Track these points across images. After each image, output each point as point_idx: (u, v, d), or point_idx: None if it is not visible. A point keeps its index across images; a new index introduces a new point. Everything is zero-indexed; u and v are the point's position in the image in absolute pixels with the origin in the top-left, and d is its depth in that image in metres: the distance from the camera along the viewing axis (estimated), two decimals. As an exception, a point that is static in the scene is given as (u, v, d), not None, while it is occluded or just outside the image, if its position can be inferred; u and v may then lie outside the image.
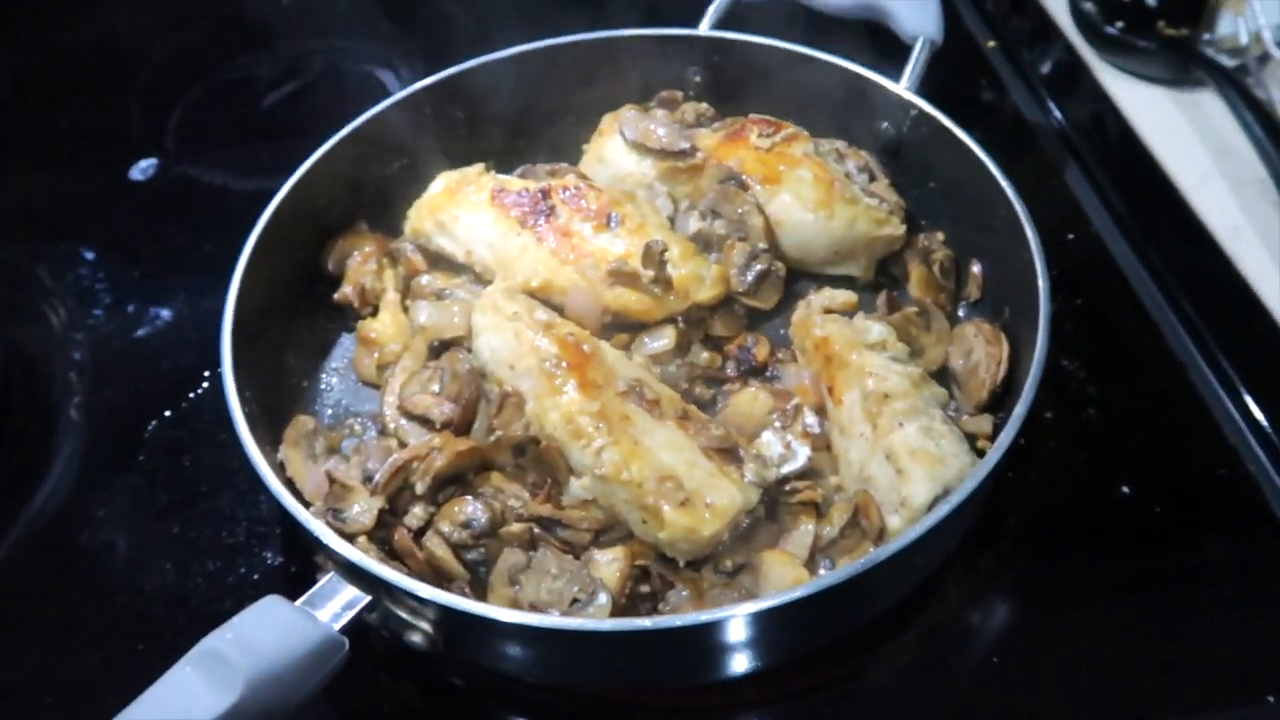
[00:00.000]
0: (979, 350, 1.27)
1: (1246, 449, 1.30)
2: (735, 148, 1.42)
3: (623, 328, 1.32)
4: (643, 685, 1.18)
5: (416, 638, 1.01)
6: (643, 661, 1.08)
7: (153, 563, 1.27)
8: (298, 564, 1.25)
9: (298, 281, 1.41)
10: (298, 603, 0.97)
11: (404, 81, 1.82)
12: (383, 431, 1.27)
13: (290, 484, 1.20)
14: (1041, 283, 1.19)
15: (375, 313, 1.41)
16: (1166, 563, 1.24)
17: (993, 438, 1.17)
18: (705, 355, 1.33)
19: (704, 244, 1.38)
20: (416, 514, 1.14)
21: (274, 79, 1.94)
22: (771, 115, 1.47)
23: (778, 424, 1.23)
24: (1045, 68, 1.85)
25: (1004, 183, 1.29)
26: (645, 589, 1.11)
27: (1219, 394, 1.35)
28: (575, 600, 1.05)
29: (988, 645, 1.18)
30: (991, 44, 1.91)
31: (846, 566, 0.98)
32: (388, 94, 1.49)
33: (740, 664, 1.10)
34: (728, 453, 1.15)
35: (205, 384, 1.44)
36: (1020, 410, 1.07)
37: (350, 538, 1.08)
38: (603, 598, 1.05)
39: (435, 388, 1.25)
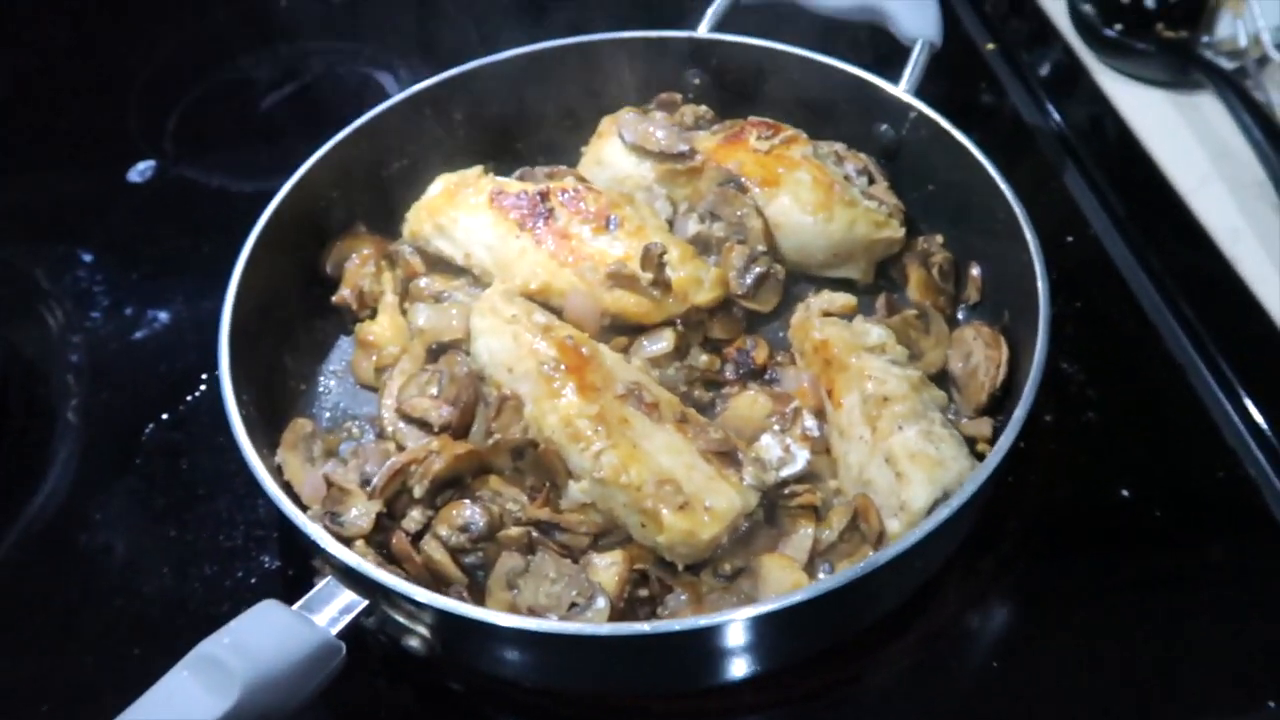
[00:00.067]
0: (978, 353, 1.27)
1: (1246, 451, 1.30)
2: (734, 150, 1.42)
3: (621, 330, 1.32)
4: (641, 690, 1.17)
5: (414, 642, 1.01)
6: (641, 666, 1.08)
7: (150, 566, 1.27)
8: (295, 568, 1.25)
9: (296, 284, 1.41)
10: (295, 607, 0.96)
11: (403, 83, 1.82)
12: (381, 434, 1.27)
13: (288, 487, 1.20)
14: (1041, 285, 1.19)
15: (373, 315, 1.40)
16: (1166, 566, 1.24)
17: (992, 441, 1.17)
18: (704, 358, 1.33)
19: (703, 246, 1.38)
20: (414, 517, 1.13)
21: (273, 81, 1.94)
22: (770, 118, 1.47)
23: (777, 427, 1.23)
24: (1044, 70, 1.85)
25: (1003, 185, 1.29)
26: (644, 593, 1.11)
27: (1218, 396, 1.35)
28: (573, 604, 1.05)
29: (987, 649, 1.18)
30: (990, 46, 1.91)
31: (846, 570, 0.97)
32: (387, 96, 1.48)
33: (739, 668, 1.09)
34: (727, 456, 1.15)
35: (203, 386, 1.44)
36: (1020, 413, 1.07)
37: (348, 541, 1.07)
38: (601, 602, 1.05)
39: (433, 391, 1.25)
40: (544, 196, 1.36)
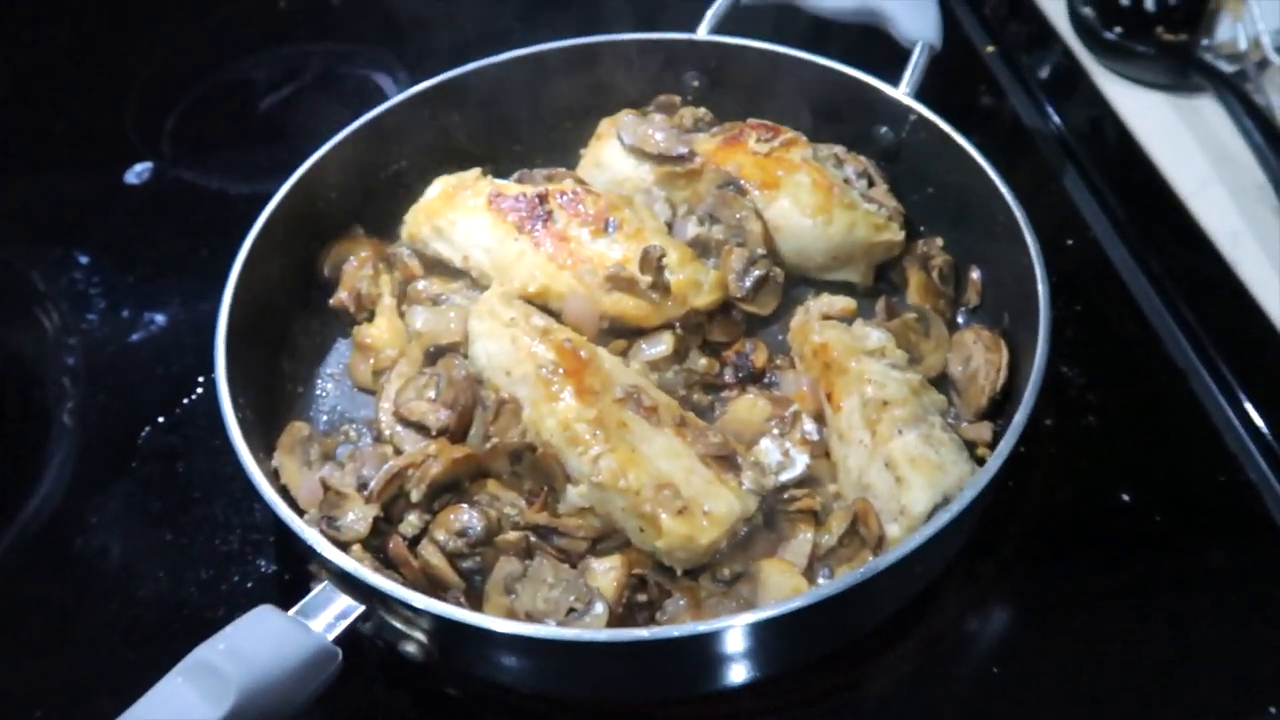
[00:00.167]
0: (978, 357, 1.26)
1: (1246, 456, 1.30)
2: (733, 153, 1.41)
3: (620, 333, 1.31)
4: (640, 696, 1.17)
5: (411, 648, 1.01)
6: (639, 672, 1.07)
7: (146, 570, 1.26)
8: (292, 572, 1.24)
9: (293, 286, 1.40)
10: (291, 612, 0.96)
11: (401, 85, 1.81)
12: (378, 438, 1.26)
13: (284, 491, 1.19)
14: (1041, 289, 1.19)
15: (371, 318, 1.40)
16: (1167, 570, 1.23)
17: (992, 445, 1.17)
18: (703, 361, 1.32)
19: (702, 249, 1.38)
20: (412, 522, 1.13)
21: (271, 82, 1.93)
22: (770, 120, 1.46)
23: (776, 431, 1.22)
24: (1044, 73, 1.85)
25: (1003, 188, 1.29)
26: (642, 598, 1.10)
27: (1219, 400, 1.35)
28: (571, 609, 1.05)
29: (987, 654, 1.17)
30: (990, 49, 1.91)
31: (845, 576, 0.97)
32: (385, 98, 1.48)
33: (738, 674, 1.09)
34: (726, 460, 1.15)
35: (199, 389, 1.43)
36: (1020, 417, 1.07)
37: (344, 546, 1.07)
38: (599, 607, 1.04)
39: (431, 394, 1.25)
40: (542, 199, 1.35)
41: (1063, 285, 1.35)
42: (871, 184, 1.43)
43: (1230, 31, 1.72)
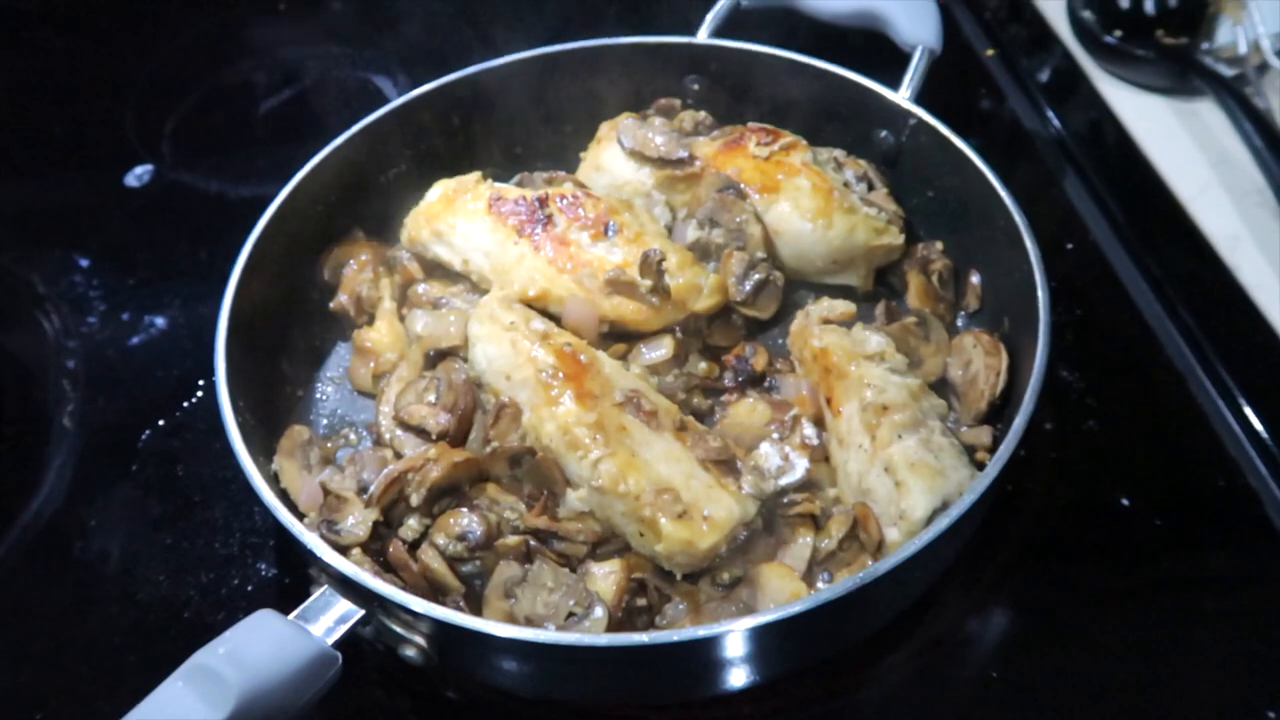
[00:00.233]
0: (978, 361, 1.26)
1: (1246, 461, 1.30)
2: (733, 156, 1.41)
3: (620, 337, 1.32)
4: (640, 700, 1.17)
5: (411, 652, 1.00)
6: (639, 676, 1.07)
7: (146, 573, 1.26)
8: (292, 576, 1.25)
9: (293, 290, 1.40)
10: (290, 616, 0.96)
11: (401, 89, 1.82)
12: (378, 441, 1.26)
13: (284, 495, 1.19)
14: (1041, 293, 1.19)
15: (371, 321, 1.40)
16: (1166, 575, 1.23)
17: (992, 449, 1.17)
18: (703, 365, 1.33)
19: (702, 253, 1.38)
20: (411, 526, 1.13)
21: (270, 85, 1.93)
22: (770, 124, 1.47)
23: (776, 435, 1.22)
24: (1044, 76, 1.85)
25: (1003, 192, 1.29)
26: (642, 602, 1.10)
27: (1218, 405, 1.35)
28: (571, 614, 1.05)
29: (987, 658, 1.18)
30: (990, 53, 1.91)
31: (845, 580, 0.97)
32: (385, 101, 1.48)
33: (738, 678, 1.09)
34: (725, 464, 1.15)
35: (199, 393, 1.43)
36: (1020, 422, 1.07)
37: (344, 550, 1.07)
38: (599, 611, 1.04)
39: (431, 398, 1.25)
40: (542, 202, 1.35)
41: (1063, 289, 1.36)
42: (871, 188, 1.44)
43: (1230, 35, 1.72)
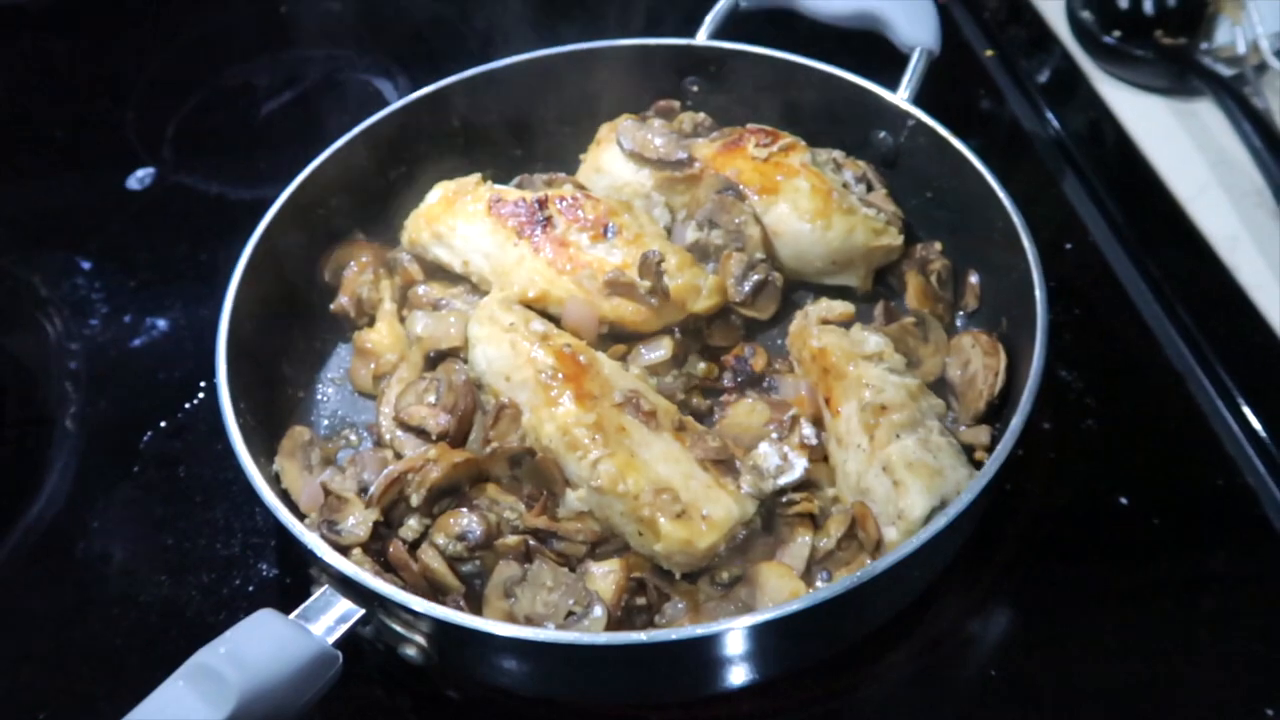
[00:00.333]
0: (976, 361, 1.27)
1: (1245, 460, 1.30)
2: (732, 157, 1.42)
3: (619, 338, 1.32)
4: (639, 699, 1.17)
5: (411, 651, 1.01)
6: (639, 675, 1.08)
7: (148, 574, 1.27)
8: (293, 576, 1.25)
9: (294, 292, 1.40)
10: (291, 616, 0.96)
11: (402, 91, 1.82)
12: (379, 442, 1.27)
13: (285, 496, 1.20)
14: (1039, 293, 1.19)
15: (372, 323, 1.41)
16: (1165, 574, 1.23)
17: (990, 449, 1.17)
18: (702, 366, 1.33)
19: (701, 254, 1.38)
20: (412, 526, 1.13)
21: (271, 88, 1.94)
22: (769, 125, 1.47)
23: (775, 435, 1.22)
24: (1043, 77, 1.85)
25: (1001, 193, 1.29)
26: (641, 601, 1.10)
27: (1217, 404, 1.35)
28: (570, 613, 1.05)
29: (986, 658, 1.18)
30: (989, 53, 1.91)
31: (844, 579, 0.97)
32: (385, 103, 1.49)
33: (737, 677, 1.09)
34: (724, 464, 1.15)
35: (201, 394, 1.44)
36: (1018, 421, 1.07)
37: (345, 550, 1.07)
38: (598, 611, 1.04)
39: (431, 399, 1.25)
40: (542, 204, 1.36)
41: (1061, 289, 1.36)
42: (870, 189, 1.44)
43: (1229, 35, 1.72)
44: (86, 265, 1.64)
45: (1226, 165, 1.62)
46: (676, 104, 1.54)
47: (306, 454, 1.25)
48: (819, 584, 1.13)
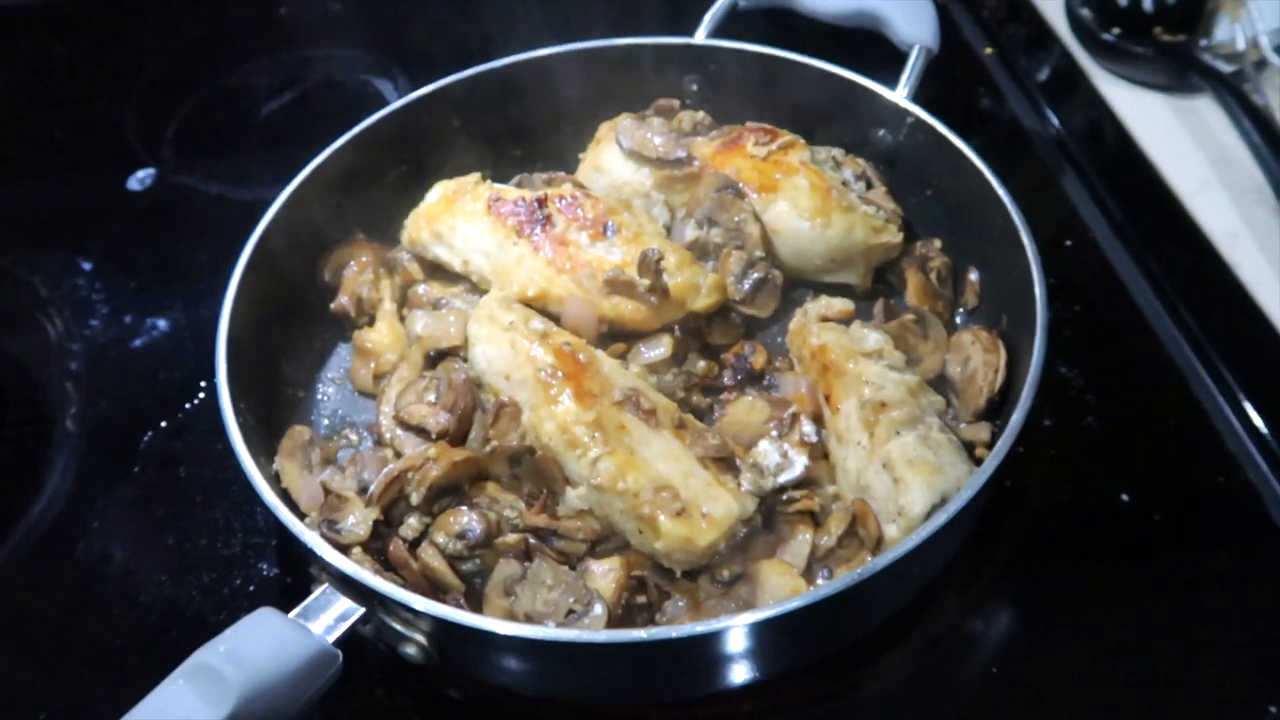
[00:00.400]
0: (976, 358, 1.26)
1: (1246, 456, 1.30)
2: (732, 156, 1.42)
3: (619, 337, 1.32)
4: (640, 698, 1.17)
5: (411, 650, 1.01)
6: (639, 673, 1.07)
7: (148, 574, 1.27)
8: (293, 576, 1.25)
9: (294, 292, 1.40)
10: (291, 615, 0.96)
11: (401, 91, 1.82)
12: (379, 442, 1.27)
13: (285, 495, 1.20)
14: (1039, 290, 1.19)
15: (372, 322, 1.41)
16: (1167, 571, 1.23)
17: (991, 446, 1.17)
18: (702, 364, 1.33)
19: (701, 252, 1.38)
20: (412, 525, 1.13)
21: (272, 88, 1.94)
22: (768, 123, 1.47)
23: (775, 433, 1.22)
24: (1042, 75, 1.85)
25: (1001, 190, 1.29)
26: (642, 600, 1.10)
27: (1218, 401, 1.35)
28: (571, 611, 1.05)
29: (987, 656, 1.18)
30: (988, 51, 1.91)
31: (844, 576, 0.97)
32: (385, 103, 1.49)
33: (738, 675, 1.09)
34: (724, 462, 1.15)
35: (201, 395, 1.44)
36: (1018, 418, 1.07)
37: (345, 549, 1.07)
38: (598, 609, 1.04)
39: (431, 397, 1.25)
40: (541, 203, 1.36)
41: (1061, 286, 1.36)
42: (870, 186, 1.44)
43: (1228, 32, 1.72)
44: (87, 266, 1.64)
45: (1226, 162, 1.61)
46: (676, 103, 1.54)
47: (306, 453, 1.25)
48: (820, 581, 1.13)
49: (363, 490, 1.16)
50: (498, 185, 1.43)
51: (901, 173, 1.47)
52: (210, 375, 1.19)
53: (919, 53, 1.46)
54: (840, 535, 1.13)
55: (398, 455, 1.21)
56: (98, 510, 1.33)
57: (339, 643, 0.96)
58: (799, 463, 1.17)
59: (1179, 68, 1.72)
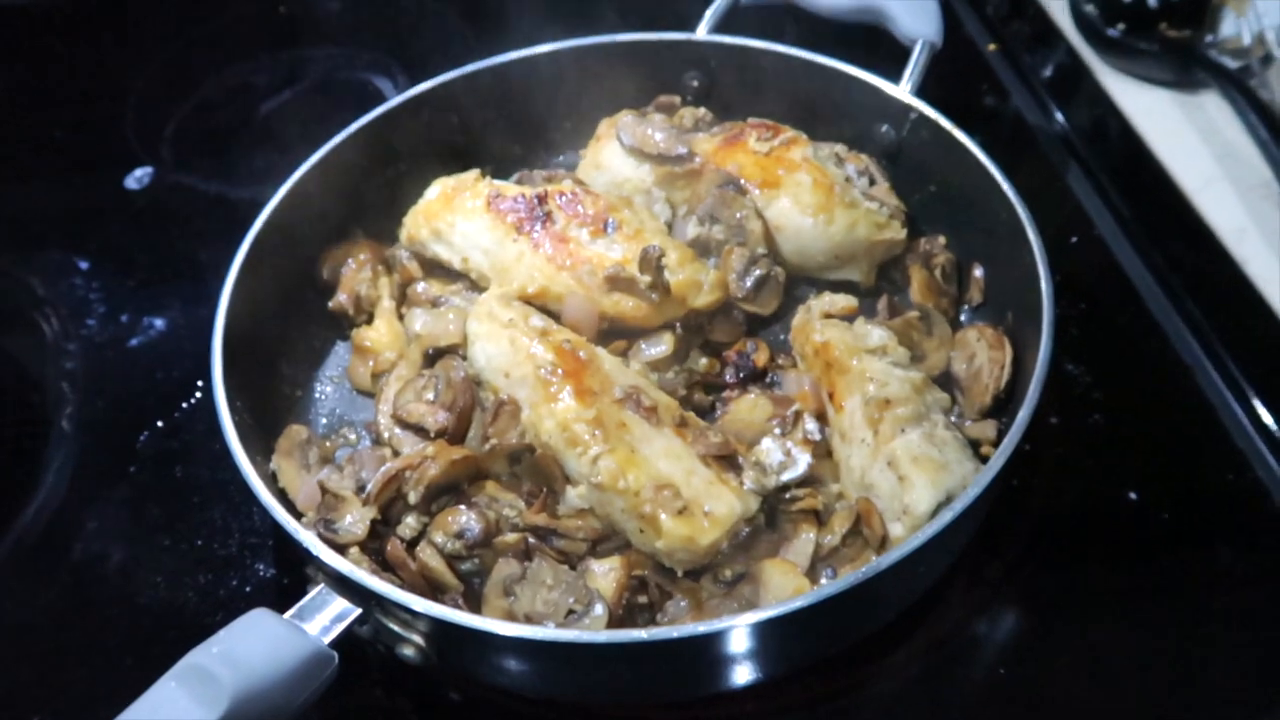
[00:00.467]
0: (982, 355, 1.25)
1: (1255, 454, 1.28)
2: (733, 152, 1.40)
3: (620, 334, 1.31)
4: (641, 699, 1.16)
5: (409, 651, 0.99)
6: (641, 674, 1.06)
7: (144, 575, 1.26)
8: (290, 576, 1.24)
9: (292, 290, 1.39)
10: (286, 615, 0.95)
11: (401, 89, 1.81)
12: (377, 440, 1.26)
13: (283, 495, 1.19)
14: (1045, 286, 1.17)
15: (370, 321, 1.40)
16: (1175, 570, 1.22)
17: (997, 443, 1.15)
18: (704, 361, 1.32)
19: (702, 249, 1.37)
20: (409, 524, 1.12)
21: (271, 87, 1.93)
22: (770, 119, 1.45)
23: (778, 431, 1.21)
24: (1047, 71, 1.84)
25: (1006, 186, 1.28)
26: (643, 600, 1.09)
27: (1226, 398, 1.33)
28: (571, 612, 1.04)
29: (994, 656, 1.16)
30: (992, 47, 1.90)
31: (848, 575, 0.96)
32: (385, 101, 1.47)
33: (741, 676, 1.08)
34: (726, 460, 1.14)
35: (198, 394, 1.43)
36: (1024, 415, 1.06)
37: (342, 549, 1.06)
38: (599, 609, 1.03)
39: (430, 396, 1.24)
40: (541, 200, 1.34)
41: (1067, 283, 1.34)
42: (873, 182, 1.42)
43: (1234, 27, 1.70)
44: (84, 265, 1.63)
45: (1233, 158, 1.60)
46: (677, 99, 1.54)
47: (304, 453, 1.24)
48: (823, 581, 1.12)
49: (360, 489, 1.15)
50: (497, 182, 1.42)
51: (905, 168, 1.46)
52: (207, 375, 1.18)
53: (922, 47, 1.45)
54: (844, 534, 1.12)
55: (396, 454, 1.20)
56: (94, 510, 1.32)
57: (335, 644, 0.95)
58: (802, 461, 1.16)
59: (1184, 63, 1.70)
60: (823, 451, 1.21)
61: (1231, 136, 1.62)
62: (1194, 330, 1.40)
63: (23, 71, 2.00)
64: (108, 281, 1.61)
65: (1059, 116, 1.74)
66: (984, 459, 1.16)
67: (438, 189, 1.43)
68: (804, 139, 1.42)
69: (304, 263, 1.42)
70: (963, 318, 1.39)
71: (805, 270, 1.40)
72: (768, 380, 1.31)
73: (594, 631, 1.01)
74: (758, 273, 1.34)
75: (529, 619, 1.05)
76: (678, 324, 1.31)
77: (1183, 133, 1.66)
